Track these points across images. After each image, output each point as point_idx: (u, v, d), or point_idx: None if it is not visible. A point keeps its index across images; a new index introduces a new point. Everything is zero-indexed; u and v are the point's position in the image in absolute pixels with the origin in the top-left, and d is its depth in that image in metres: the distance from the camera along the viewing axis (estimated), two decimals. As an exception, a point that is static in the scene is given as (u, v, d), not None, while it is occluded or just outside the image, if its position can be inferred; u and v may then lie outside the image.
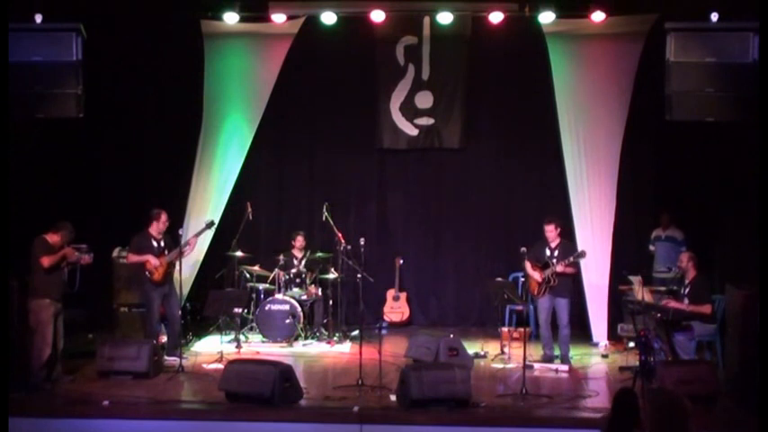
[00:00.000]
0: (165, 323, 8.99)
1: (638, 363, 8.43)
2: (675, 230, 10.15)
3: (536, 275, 8.82)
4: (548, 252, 8.89)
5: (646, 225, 10.52)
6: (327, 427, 6.83)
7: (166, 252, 8.81)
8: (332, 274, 10.15)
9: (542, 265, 8.82)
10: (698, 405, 5.01)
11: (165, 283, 8.79)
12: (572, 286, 9.14)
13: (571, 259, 8.71)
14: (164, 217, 8.86)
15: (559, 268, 8.70)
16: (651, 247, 10.31)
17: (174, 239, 8.94)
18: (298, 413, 7.02)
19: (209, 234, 9.75)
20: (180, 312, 8.95)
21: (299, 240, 10.36)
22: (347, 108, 11.15)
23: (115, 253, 9.72)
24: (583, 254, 8.79)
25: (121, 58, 9.95)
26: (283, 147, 11.30)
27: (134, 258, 8.83)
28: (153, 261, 8.69)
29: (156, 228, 8.84)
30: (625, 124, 9.95)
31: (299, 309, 9.82)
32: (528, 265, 8.83)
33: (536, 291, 8.90)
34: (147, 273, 8.72)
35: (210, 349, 9.32)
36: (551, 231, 8.90)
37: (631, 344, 8.32)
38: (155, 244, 8.82)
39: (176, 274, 8.84)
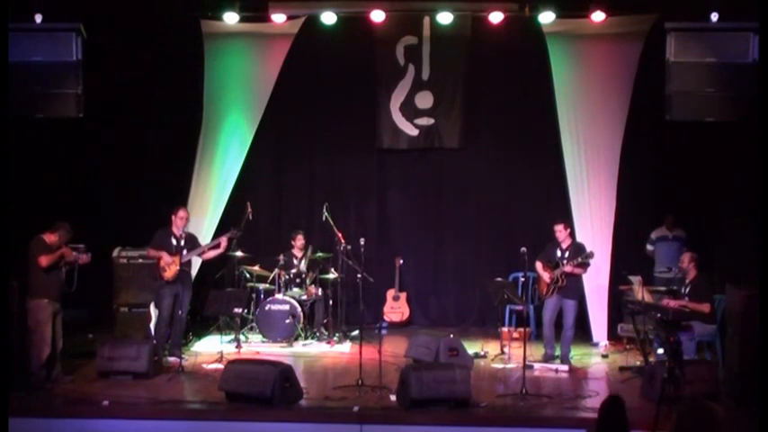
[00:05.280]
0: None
1: (638, 363, 8.52)
2: (680, 231, 10.13)
3: (545, 276, 8.83)
4: (559, 253, 8.89)
5: (646, 225, 10.51)
6: (327, 427, 6.83)
7: (185, 251, 8.83)
8: (332, 274, 10.14)
9: (553, 265, 8.83)
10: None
11: (178, 281, 8.80)
12: (580, 289, 9.15)
13: (579, 260, 8.71)
14: (181, 213, 8.92)
15: (568, 268, 8.70)
16: (650, 247, 10.26)
17: (192, 240, 9.04)
18: (298, 413, 7.01)
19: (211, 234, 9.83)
20: (182, 313, 8.93)
21: (299, 240, 10.35)
22: (347, 108, 11.13)
23: (115, 253, 9.71)
24: (591, 254, 8.77)
25: (121, 58, 9.95)
26: (283, 146, 11.30)
27: (151, 253, 8.96)
28: (165, 258, 8.74)
29: (175, 224, 8.88)
30: (625, 124, 9.95)
31: (299, 309, 9.82)
32: (539, 266, 8.87)
33: (545, 291, 8.91)
34: (159, 269, 8.79)
35: (210, 349, 9.31)
36: (561, 232, 8.90)
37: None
38: (173, 242, 8.87)
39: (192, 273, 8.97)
